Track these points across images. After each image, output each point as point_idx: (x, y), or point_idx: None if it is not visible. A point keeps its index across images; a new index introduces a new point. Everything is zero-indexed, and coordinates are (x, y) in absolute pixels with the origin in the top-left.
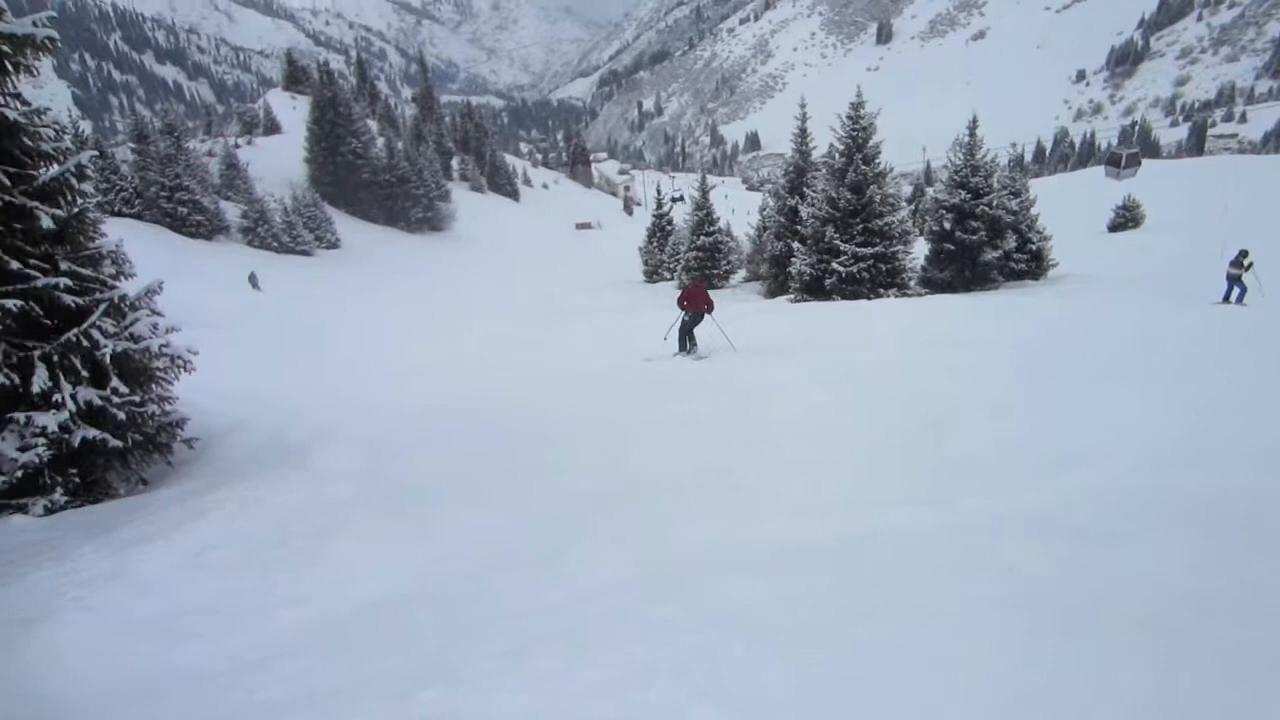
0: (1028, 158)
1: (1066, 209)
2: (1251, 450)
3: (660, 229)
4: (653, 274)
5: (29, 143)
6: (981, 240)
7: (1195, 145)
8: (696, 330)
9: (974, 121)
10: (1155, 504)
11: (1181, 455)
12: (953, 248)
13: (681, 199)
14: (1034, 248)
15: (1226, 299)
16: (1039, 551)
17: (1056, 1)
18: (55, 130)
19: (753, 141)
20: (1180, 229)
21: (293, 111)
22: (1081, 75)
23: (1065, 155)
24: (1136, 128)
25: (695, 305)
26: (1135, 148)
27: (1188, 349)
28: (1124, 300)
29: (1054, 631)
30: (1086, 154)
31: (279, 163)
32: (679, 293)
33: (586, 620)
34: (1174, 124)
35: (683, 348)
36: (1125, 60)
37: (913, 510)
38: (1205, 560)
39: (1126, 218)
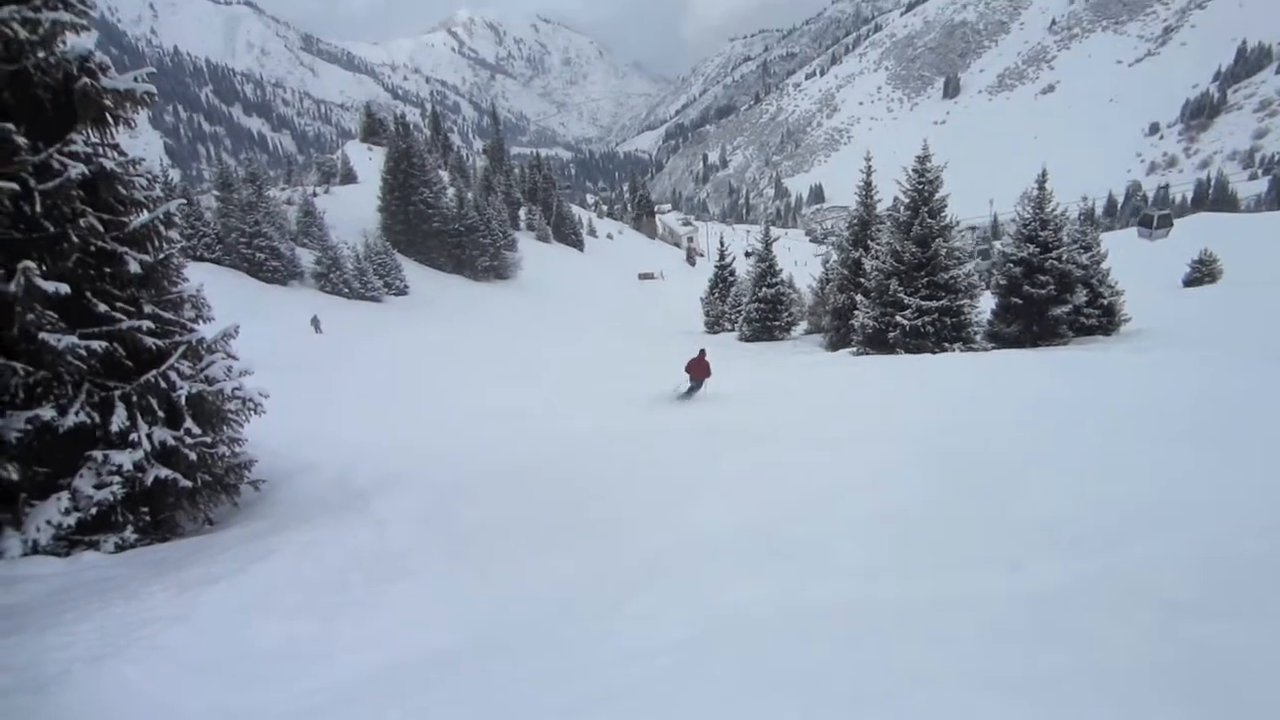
0: (1099, 211)
1: (1140, 263)
2: None
3: (722, 280)
4: (714, 324)
5: (123, 191)
6: (1050, 295)
7: (1276, 199)
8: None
9: (1043, 174)
10: (1242, 575)
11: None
12: (1020, 302)
13: (754, 253)
14: (1105, 302)
15: None
16: (1113, 620)
17: (1129, 55)
18: (147, 179)
19: (817, 194)
20: (1261, 285)
21: (369, 162)
22: (1155, 128)
23: (1138, 209)
24: (1213, 181)
25: (697, 374)
26: (1166, 209)
27: (1274, 410)
28: (1203, 358)
29: (1134, 709)
30: (1160, 207)
31: (354, 211)
32: (687, 361)
33: (646, 679)
34: (1253, 177)
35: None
36: (1201, 113)
37: (977, 573)
38: None
39: (1203, 272)
